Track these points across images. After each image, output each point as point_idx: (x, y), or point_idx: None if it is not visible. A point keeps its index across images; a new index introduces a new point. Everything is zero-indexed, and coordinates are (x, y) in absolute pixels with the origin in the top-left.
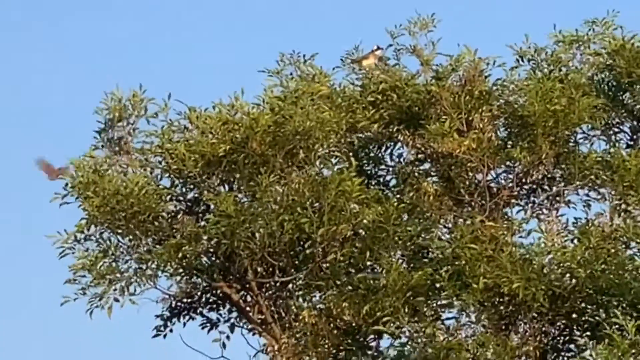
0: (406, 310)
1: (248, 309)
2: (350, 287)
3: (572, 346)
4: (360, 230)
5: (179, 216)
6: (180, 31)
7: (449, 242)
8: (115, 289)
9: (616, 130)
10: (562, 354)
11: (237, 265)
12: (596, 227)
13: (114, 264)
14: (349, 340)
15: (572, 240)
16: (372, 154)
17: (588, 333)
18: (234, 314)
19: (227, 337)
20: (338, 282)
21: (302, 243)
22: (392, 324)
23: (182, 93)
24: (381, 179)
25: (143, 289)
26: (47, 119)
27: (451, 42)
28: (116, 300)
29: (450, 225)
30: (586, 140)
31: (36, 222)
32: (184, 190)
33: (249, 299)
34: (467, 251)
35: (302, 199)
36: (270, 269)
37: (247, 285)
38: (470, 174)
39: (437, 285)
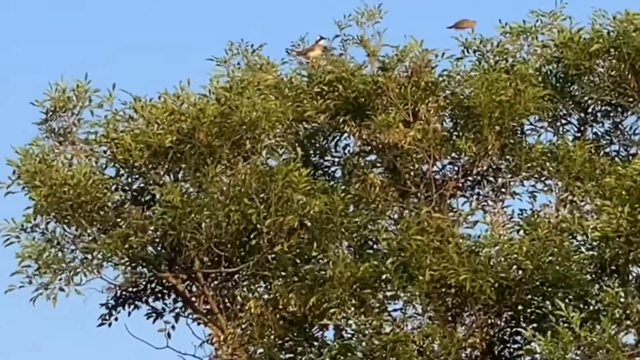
0: (352, 301)
1: (194, 299)
2: (296, 278)
3: (518, 338)
4: (307, 221)
5: (125, 206)
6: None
7: (395, 234)
8: (60, 279)
9: (563, 121)
10: (509, 345)
11: (183, 256)
12: (542, 219)
13: (59, 254)
14: (295, 331)
15: (518, 232)
16: (318, 145)
17: (534, 325)
18: (180, 304)
19: (173, 327)
20: (284, 273)
21: (248, 234)
22: (338, 316)
23: (128, 83)
24: (327, 170)
25: (89, 278)
26: None
27: (398, 33)
28: (61, 289)
29: (396, 217)
30: (533, 132)
31: None
32: (129, 180)
33: (194, 289)
34: (413, 243)
35: (248, 189)
36: (217, 259)
37: (193, 276)
38: (416, 165)
39: (384, 277)
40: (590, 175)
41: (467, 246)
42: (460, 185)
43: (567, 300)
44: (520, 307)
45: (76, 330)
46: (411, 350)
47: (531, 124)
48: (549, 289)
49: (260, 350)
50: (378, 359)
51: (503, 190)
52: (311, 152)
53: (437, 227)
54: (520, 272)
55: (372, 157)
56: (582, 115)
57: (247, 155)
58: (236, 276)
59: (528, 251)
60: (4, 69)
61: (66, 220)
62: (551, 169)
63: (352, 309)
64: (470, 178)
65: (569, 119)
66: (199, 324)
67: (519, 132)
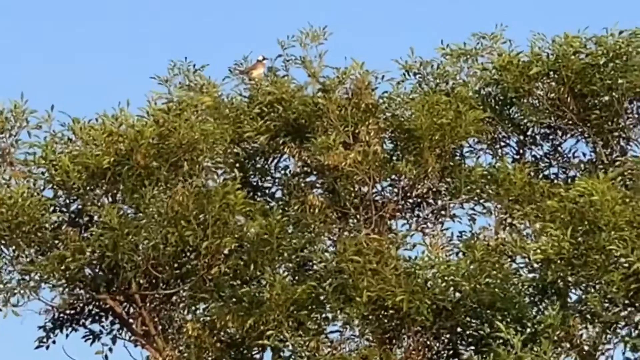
0: (290, 323)
1: (131, 320)
2: (234, 300)
3: None
4: (245, 243)
5: (62, 227)
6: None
7: (333, 255)
8: None
9: (503, 144)
10: None
11: (121, 277)
12: (481, 241)
13: None
14: (233, 353)
15: (456, 254)
16: (258, 166)
17: (472, 347)
18: (117, 326)
19: (110, 349)
20: (222, 295)
21: (186, 255)
22: (275, 338)
23: (67, 105)
24: (267, 191)
25: (26, 300)
26: None
27: (340, 55)
28: None
29: (335, 238)
30: (472, 154)
31: None
32: (67, 201)
33: (132, 310)
34: (351, 264)
35: (186, 211)
36: (154, 281)
37: (131, 297)
38: (356, 187)
39: (321, 298)
40: (530, 198)
41: (405, 268)
42: (400, 207)
43: (505, 323)
44: (458, 329)
45: (13, 352)
46: None
47: (471, 146)
48: (487, 311)
49: None
50: None
51: (443, 212)
52: (250, 173)
53: (375, 249)
54: (457, 293)
55: (312, 178)
56: (522, 137)
57: (185, 176)
58: (174, 298)
59: (465, 273)
60: None
61: (3, 241)
62: (490, 191)
63: (290, 330)
64: (410, 200)
65: (508, 141)
66: (136, 345)
67: (458, 154)
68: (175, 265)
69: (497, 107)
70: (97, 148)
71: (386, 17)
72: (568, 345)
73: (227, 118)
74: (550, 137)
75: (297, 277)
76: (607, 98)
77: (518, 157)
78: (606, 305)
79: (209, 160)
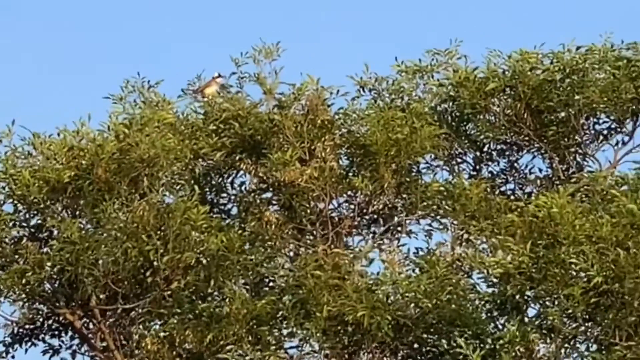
0: (249, 338)
1: (90, 335)
2: (193, 315)
3: None
4: (204, 259)
5: (22, 242)
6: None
7: (291, 271)
8: None
9: (459, 160)
10: None
11: (80, 292)
12: (438, 257)
13: None
14: None
15: (414, 270)
16: (214, 182)
17: None
18: (76, 341)
19: None
20: (181, 310)
21: (145, 270)
22: (235, 353)
23: (26, 119)
24: (223, 207)
25: None
26: None
27: (295, 71)
28: None
29: (292, 254)
30: (429, 170)
31: None
32: (27, 216)
33: (91, 325)
34: (310, 280)
35: (146, 226)
36: (114, 296)
37: (90, 312)
38: (312, 203)
39: (280, 313)
40: (486, 214)
41: (365, 283)
42: (356, 223)
43: (464, 338)
44: (416, 345)
45: None
46: None
47: (427, 162)
48: (446, 327)
49: None
50: None
51: (399, 228)
52: (207, 189)
53: (335, 264)
54: (417, 309)
55: (268, 194)
56: (478, 154)
57: (144, 192)
58: (133, 313)
59: (426, 289)
60: None
61: None
62: (447, 207)
63: (249, 345)
64: (366, 216)
65: (464, 157)
66: None
67: (414, 170)
68: (135, 279)
69: (453, 123)
70: (57, 162)
71: (340, 32)
72: None
73: (183, 134)
74: (507, 153)
75: (255, 293)
76: (563, 114)
77: (475, 173)
78: (565, 319)
79: (169, 175)
